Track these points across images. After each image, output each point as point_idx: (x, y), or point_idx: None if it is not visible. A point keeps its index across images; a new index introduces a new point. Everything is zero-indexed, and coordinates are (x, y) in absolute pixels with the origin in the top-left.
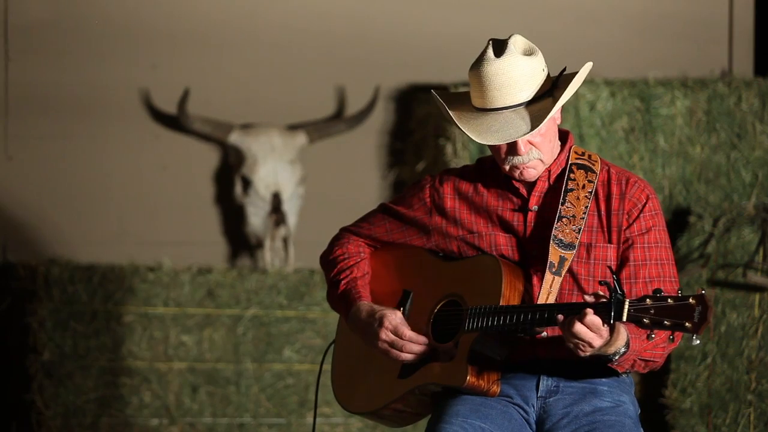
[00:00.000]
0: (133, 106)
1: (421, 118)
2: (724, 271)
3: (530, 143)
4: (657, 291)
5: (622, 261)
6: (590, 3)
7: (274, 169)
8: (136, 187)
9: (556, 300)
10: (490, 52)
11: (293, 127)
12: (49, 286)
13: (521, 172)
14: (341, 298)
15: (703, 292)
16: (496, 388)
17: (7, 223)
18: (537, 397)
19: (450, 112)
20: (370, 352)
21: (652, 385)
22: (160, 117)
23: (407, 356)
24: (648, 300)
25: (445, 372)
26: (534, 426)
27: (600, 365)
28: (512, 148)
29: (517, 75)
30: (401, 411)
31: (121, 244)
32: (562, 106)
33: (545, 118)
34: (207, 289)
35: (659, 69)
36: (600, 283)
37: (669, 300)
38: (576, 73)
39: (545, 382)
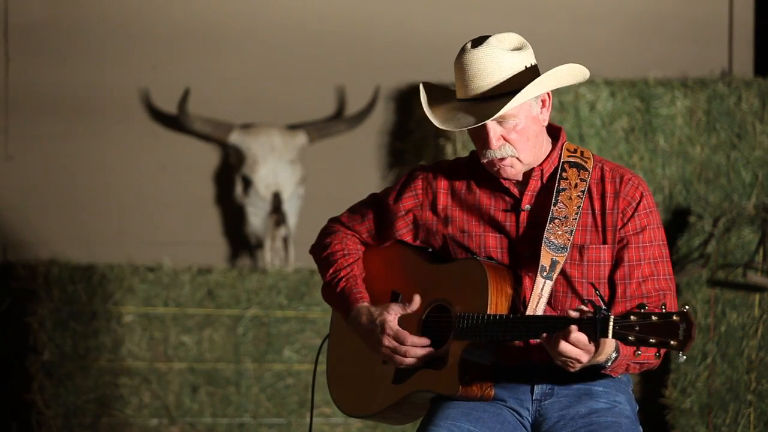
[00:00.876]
0: (133, 106)
1: (421, 118)
2: (724, 271)
3: (504, 138)
4: (641, 306)
5: (617, 261)
6: (590, 3)
7: (274, 169)
8: (135, 187)
9: (547, 303)
10: (469, 44)
11: (293, 127)
12: (49, 286)
13: (498, 169)
14: (340, 297)
15: (686, 309)
16: (490, 392)
17: (7, 223)
18: (532, 401)
19: (425, 100)
20: (363, 354)
21: (652, 385)
22: (160, 117)
23: (411, 361)
24: (632, 317)
25: (437, 380)
26: (529, 429)
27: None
28: (484, 141)
29: (492, 67)
30: (398, 414)
31: (121, 244)
32: (563, 107)
33: (502, 109)
34: (207, 289)
35: (659, 69)
36: (583, 301)
37: (653, 317)
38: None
39: (540, 385)
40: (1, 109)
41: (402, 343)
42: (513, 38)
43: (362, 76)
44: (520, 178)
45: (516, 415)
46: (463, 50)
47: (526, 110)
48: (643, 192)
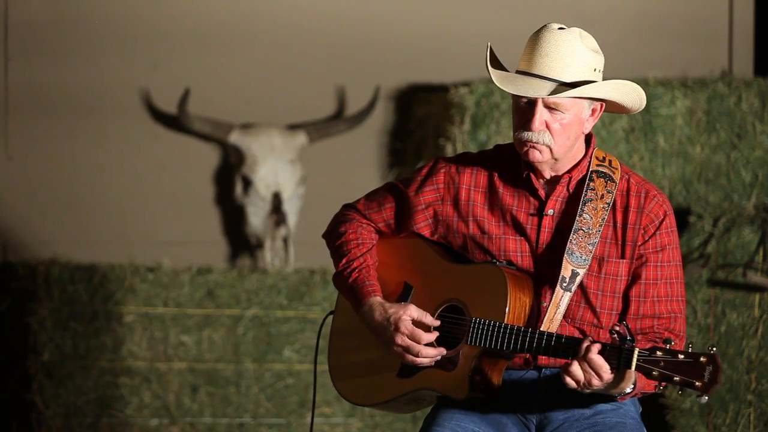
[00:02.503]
0: (133, 106)
1: (421, 118)
2: (724, 271)
3: (546, 124)
4: (667, 341)
5: (634, 277)
6: (590, 3)
7: (274, 169)
8: (136, 187)
9: (564, 315)
10: (555, 25)
11: (293, 127)
12: (49, 286)
13: (527, 150)
14: (352, 289)
15: (714, 350)
16: (496, 398)
17: (7, 223)
18: (537, 403)
19: (488, 59)
20: (368, 342)
21: None
22: (160, 117)
23: (422, 361)
24: (658, 352)
25: (445, 382)
26: (534, 431)
27: None
28: (528, 121)
29: (567, 52)
30: (400, 406)
31: (121, 244)
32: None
33: (567, 94)
34: (207, 289)
35: (659, 69)
36: (611, 332)
37: (680, 355)
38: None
39: (545, 388)
40: (1, 109)
41: (416, 342)
42: (593, 41)
43: (362, 76)
44: (546, 173)
45: (521, 417)
46: (545, 27)
47: (578, 109)
48: (667, 211)
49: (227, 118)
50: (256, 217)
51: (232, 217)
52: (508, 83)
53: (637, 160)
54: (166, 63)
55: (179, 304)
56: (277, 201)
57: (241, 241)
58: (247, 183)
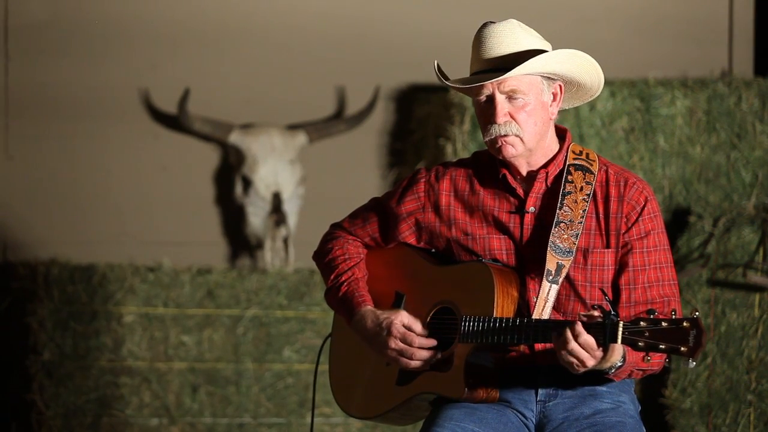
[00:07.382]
0: (133, 106)
1: (421, 118)
2: (724, 271)
3: (510, 115)
4: (651, 312)
5: (621, 266)
6: (590, 3)
7: (274, 169)
8: (136, 187)
9: (553, 307)
10: (491, 21)
11: (293, 127)
12: (49, 286)
13: (500, 146)
14: (342, 302)
15: (697, 315)
16: (495, 395)
17: (7, 223)
18: (536, 402)
19: (437, 69)
20: (366, 355)
21: (652, 385)
22: (160, 117)
23: (417, 363)
24: (642, 323)
25: (442, 383)
26: (533, 431)
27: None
28: (491, 115)
29: (511, 42)
30: (401, 415)
31: (121, 244)
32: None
33: (516, 70)
34: (207, 290)
35: (659, 69)
36: (593, 306)
37: (663, 323)
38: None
39: (544, 387)
40: (1, 109)
41: (409, 345)
42: (532, 30)
43: (362, 76)
44: (522, 169)
45: (520, 416)
46: (484, 25)
47: (537, 92)
48: (648, 196)
49: (227, 118)
50: (256, 217)
51: (232, 217)
52: (458, 82)
53: (637, 160)
54: (166, 63)
55: (179, 305)
56: (277, 201)
57: (241, 241)
58: (247, 183)
